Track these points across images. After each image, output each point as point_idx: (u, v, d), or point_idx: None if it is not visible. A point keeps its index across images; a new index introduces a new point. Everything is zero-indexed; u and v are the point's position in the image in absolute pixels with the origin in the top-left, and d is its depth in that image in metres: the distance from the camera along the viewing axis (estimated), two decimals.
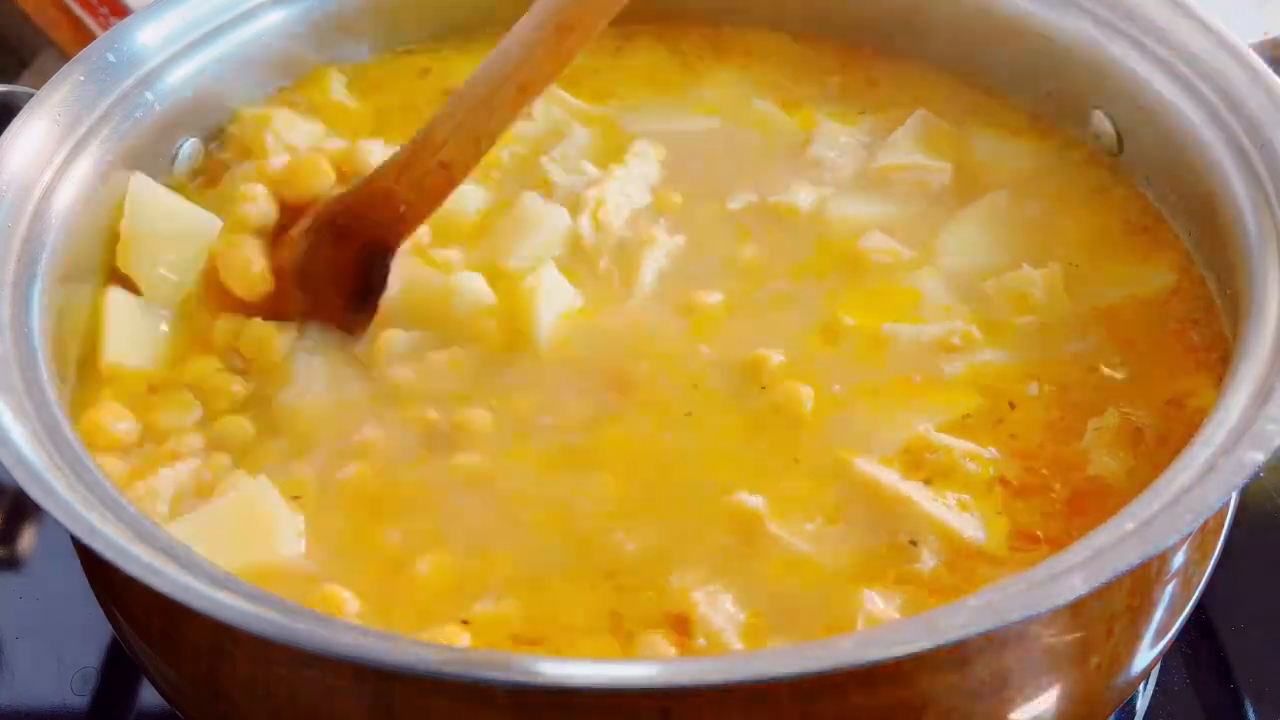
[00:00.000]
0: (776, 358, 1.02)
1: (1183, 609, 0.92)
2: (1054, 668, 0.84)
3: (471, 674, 0.74)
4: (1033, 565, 0.78)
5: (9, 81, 1.52)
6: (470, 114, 1.03)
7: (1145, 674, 0.95)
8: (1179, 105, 1.08)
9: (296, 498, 0.95)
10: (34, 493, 0.82)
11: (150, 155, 1.15)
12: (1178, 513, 0.79)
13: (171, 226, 1.10)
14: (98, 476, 0.86)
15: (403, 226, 1.07)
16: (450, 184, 1.05)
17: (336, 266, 1.08)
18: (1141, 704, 1.08)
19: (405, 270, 1.08)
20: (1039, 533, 0.91)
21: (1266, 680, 1.09)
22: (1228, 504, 0.96)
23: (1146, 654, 0.90)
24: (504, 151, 1.19)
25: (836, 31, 1.31)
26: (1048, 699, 0.84)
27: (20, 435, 0.86)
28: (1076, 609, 0.83)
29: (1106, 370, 1.02)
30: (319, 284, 1.08)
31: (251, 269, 1.06)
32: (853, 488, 0.94)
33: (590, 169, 1.18)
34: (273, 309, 1.07)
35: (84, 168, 1.07)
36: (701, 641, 0.85)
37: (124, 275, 1.08)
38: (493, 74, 1.02)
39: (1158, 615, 0.89)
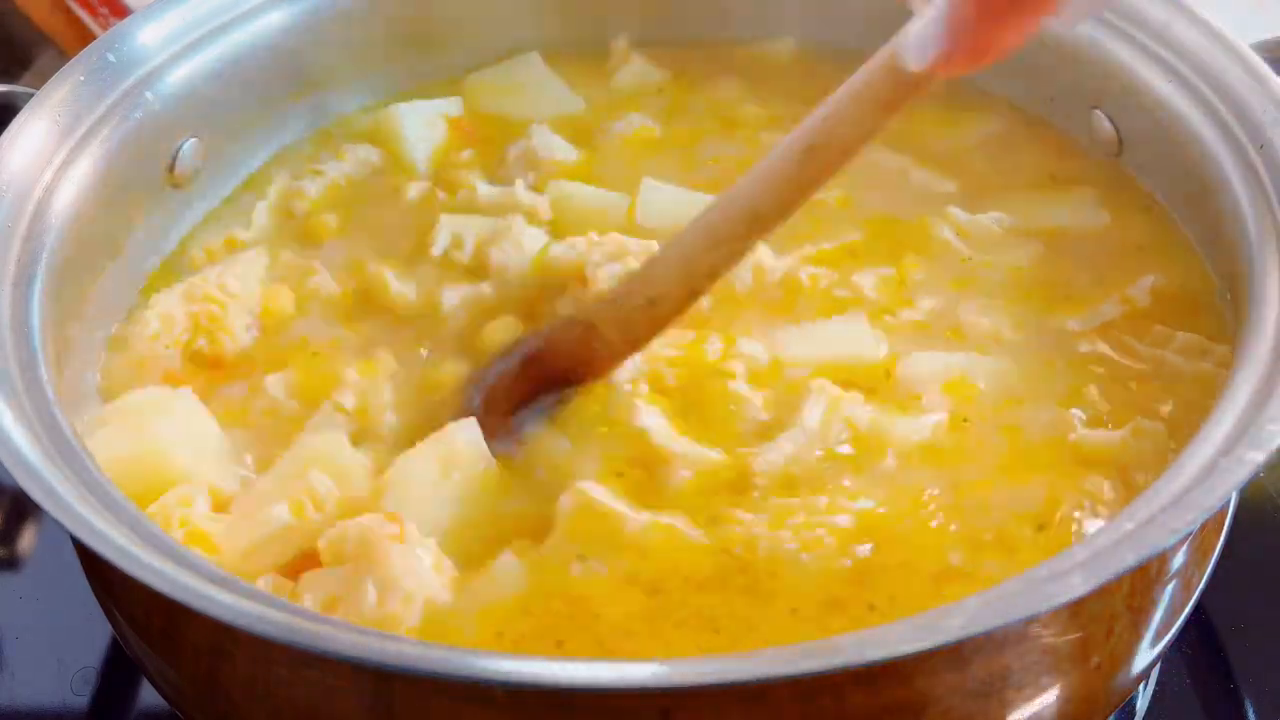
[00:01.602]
0: None
1: (1183, 609, 0.92)
2: (1054, 668, 0.84)
3: (471, 674, 0.74)
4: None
5: (9, 81, 1.52)
6: (691, 246, 0.94)
7: (1145, 674, 0.95)
8: (1179, 105, 1.08)
9: None
10: (34, 493, 0.82)
11: (150, 155, 1.15)
12: (1178, 513, 0.79)
13: None
14: (97, 477, 0.86)
15: (596, 366, 1.00)
16: (655, 324, 0.98)
17: (511, 395, 1.02)
18: (1141, 704, 1.08)
19: None
20: None
21: (1266, 680, 1.09)
22: (1228, 504, 0.96)
23: (1146, 654, 0.90)
24: None
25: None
26: (1048, 699, 0.84)
27: (20, 435, 0.86)
28: (1076, 609, 0.83)
29: None
30: (491, 399, 1.02)
31: None
32: None
33: None
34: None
35: (84, 168, 1.07)
36: None
37: None
38: (723, 204, 0.93)
39: (1158, 615, 0.89)
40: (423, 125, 1.28)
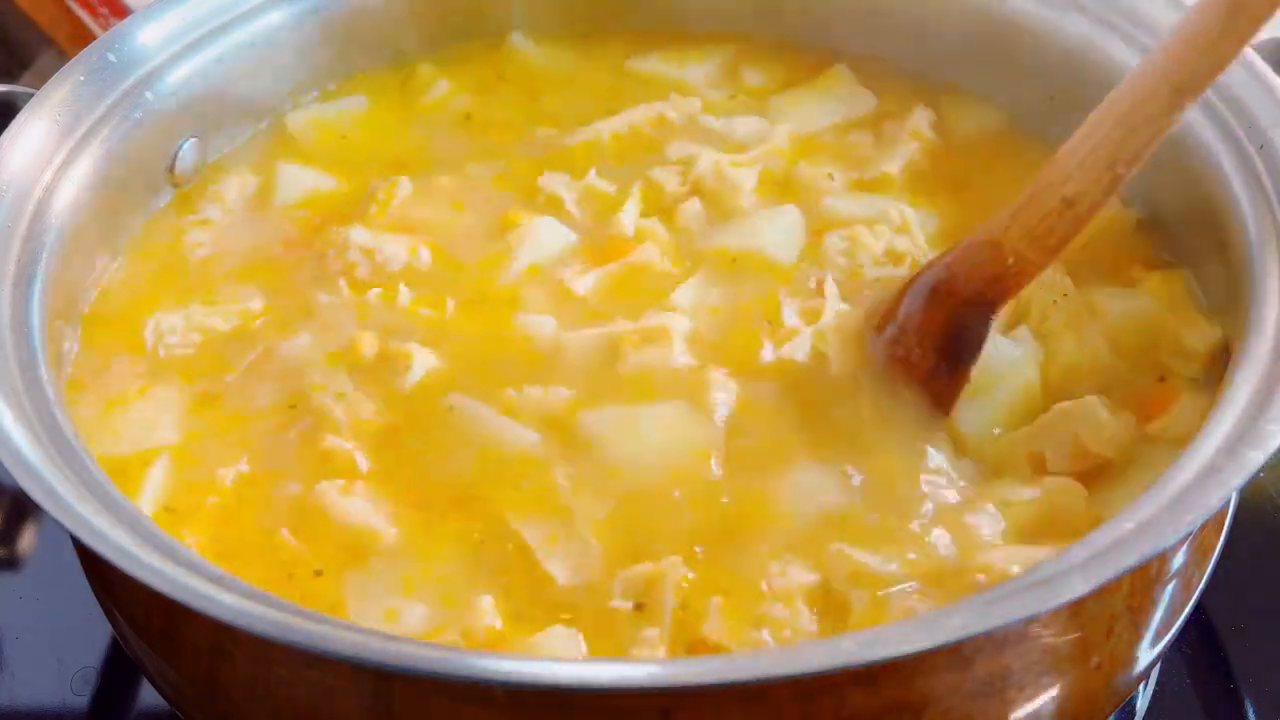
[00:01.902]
0: None
1: (1183, 609, 0.92)
2: (1054, 668, 0.84)
3: (471, 674, 0.74)
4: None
5: (9, 81, 1.52)
6: (1107, 135, 0.88)
7: (1145, 674, 0.95)
8: None
9: None
10: (34, 493, 0.82)
11: (150, 155, 1.16)
12: (1178, 513, 0.79)
13: None
14: (98, 476, 0.86)
15: (1009, 283, 0.95)
16: (1076, 225, 0.91)
17: (925, 331, 0.98)
18: (1141, 704, 1.08)
19: None
20: None
21: (1266, 680, 1.09)
22: (1228, 504, 0.96)
23: (1146, 654, 0.90)
24: None
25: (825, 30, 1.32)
26: (1048, 699, 0.84)
27: (20, 435, 0.86)
28: (1076, 609, 0.83)
29: None
30: (907, 347, 0.99)
31: None
32: None
33: None
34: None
35: (84, 168, 1.07)
36: None
37: None
38: (1138, 80, 0.86)
39: (1158, 615, 0.89)
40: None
